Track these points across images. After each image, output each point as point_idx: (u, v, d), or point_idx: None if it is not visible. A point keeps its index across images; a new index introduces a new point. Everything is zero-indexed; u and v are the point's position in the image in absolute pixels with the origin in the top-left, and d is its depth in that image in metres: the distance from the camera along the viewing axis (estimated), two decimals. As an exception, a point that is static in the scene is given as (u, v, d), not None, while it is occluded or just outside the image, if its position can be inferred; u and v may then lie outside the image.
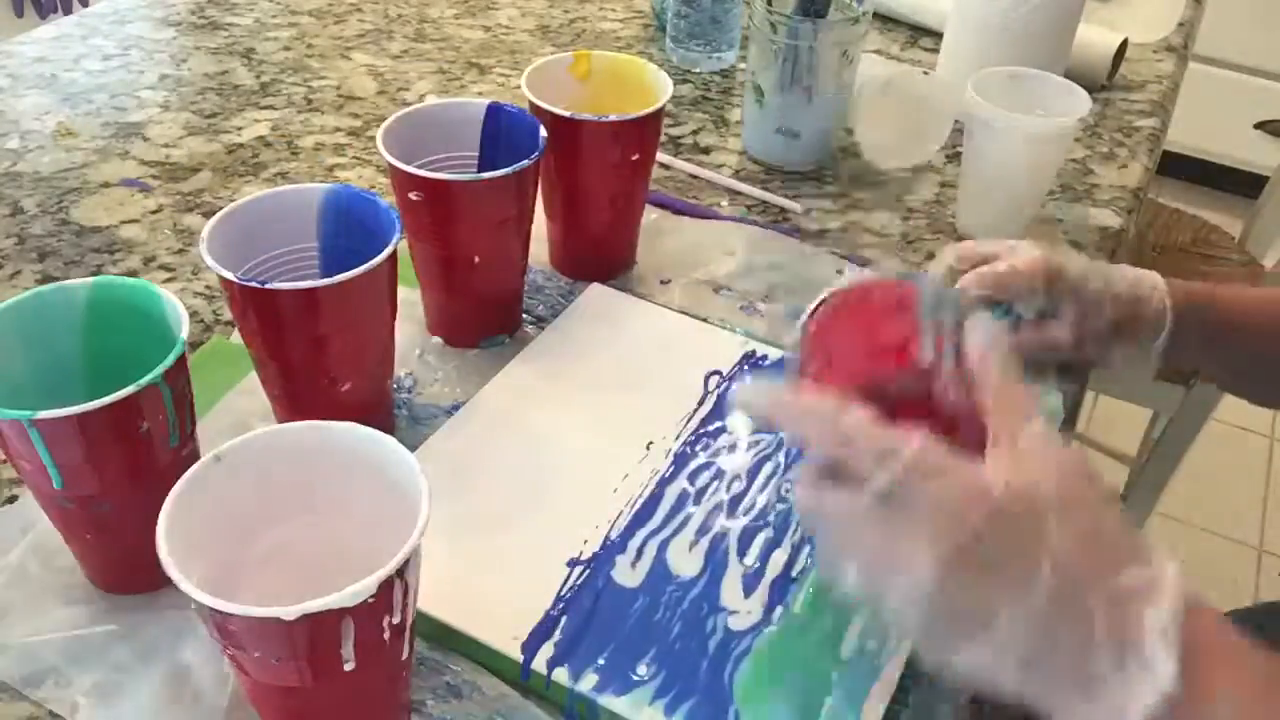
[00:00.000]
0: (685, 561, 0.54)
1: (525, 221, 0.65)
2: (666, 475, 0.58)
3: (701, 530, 0.55)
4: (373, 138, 0.78)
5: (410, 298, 0.70)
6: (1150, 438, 1.48)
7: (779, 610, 0.52)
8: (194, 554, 0.40)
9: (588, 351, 0.66)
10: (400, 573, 0.40)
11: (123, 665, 0.49)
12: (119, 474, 0.47)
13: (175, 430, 0.48)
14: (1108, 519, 0.39)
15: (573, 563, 0.53)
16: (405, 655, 0.44)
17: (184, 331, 0.48)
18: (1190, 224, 1.51)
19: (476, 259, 0.63)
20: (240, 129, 0.89)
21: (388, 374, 0.60)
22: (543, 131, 0.64)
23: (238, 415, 0.61)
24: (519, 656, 0.49)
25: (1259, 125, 2.38)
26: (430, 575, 0.45)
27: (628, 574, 0.53)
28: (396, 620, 0.41)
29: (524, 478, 0.57)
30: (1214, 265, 1.44)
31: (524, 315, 0.70)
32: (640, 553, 0.54)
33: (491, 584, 0.52)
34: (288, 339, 0.54)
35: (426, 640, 0.50)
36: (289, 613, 0.37)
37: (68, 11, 1.96)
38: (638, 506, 0.56)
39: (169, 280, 0.72)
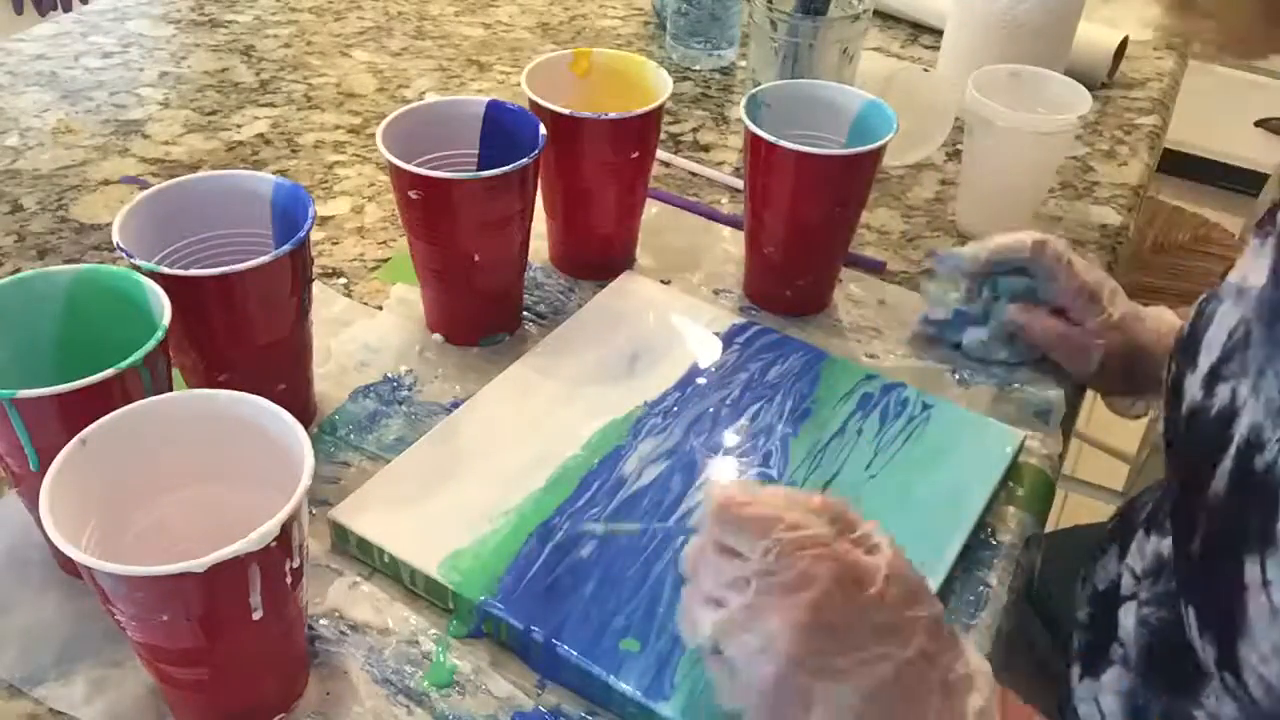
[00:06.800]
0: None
1: (525, 219, 0.65)
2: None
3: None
4: (372, 135, 0.78)
5: (410, 295, 0.70)
6: (1150, 438, 1.48)
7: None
8: (77, 536, 0.41)
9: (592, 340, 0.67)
10: (296, 516, 0.41)
11: (122, 660, 0.49)
12: None
13: None
14: (939, 615, 0.43)
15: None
16: (303, 603, 0.46)
17: (166, 319, 0.48)
18: (1190, 221, 1.51)
19: (476, 257, 0.63)
20: (240, 126, 0.89)
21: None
22: (542, 129, 0.64)
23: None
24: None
25: (1259, 123, 2.38)
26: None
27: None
28: (295, 564, 0.43)
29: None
30: (1214, 263, 1.44)
31: (524, 313, 0.70)
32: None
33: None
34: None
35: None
36: (200, 565, 0.38)
37: (67, 9, 1.96)
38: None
39: (169, 278, 0.72)
